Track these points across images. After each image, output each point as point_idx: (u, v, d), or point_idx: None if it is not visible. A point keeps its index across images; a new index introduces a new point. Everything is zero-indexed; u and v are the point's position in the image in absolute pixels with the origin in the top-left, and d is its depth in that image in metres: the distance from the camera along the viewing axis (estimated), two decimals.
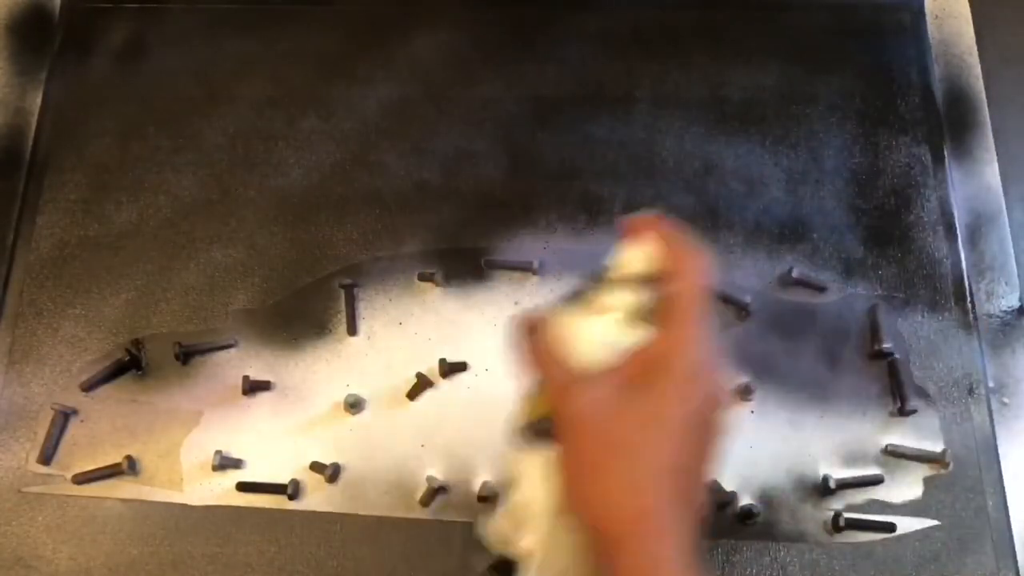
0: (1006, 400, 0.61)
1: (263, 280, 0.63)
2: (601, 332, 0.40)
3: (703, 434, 0.39)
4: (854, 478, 0.58)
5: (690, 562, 0.37)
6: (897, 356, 0.61)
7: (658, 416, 0.38)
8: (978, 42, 0.70)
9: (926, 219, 0.65)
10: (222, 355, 0.61)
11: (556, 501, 0.40)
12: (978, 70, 0.69)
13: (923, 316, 0.62)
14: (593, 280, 0.42)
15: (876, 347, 0.61)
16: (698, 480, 0.40)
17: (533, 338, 0.42)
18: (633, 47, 0.69)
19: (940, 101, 0.68)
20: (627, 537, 0.37)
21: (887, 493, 0.58)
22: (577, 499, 0.39)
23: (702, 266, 0.40)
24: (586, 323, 0.41)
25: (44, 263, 0.64)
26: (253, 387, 0.60)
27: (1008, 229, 0.65)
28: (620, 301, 0.41)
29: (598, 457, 0.38)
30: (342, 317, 0.62)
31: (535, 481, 0.41)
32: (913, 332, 0.62)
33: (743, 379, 0.60)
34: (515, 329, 0.42)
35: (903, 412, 0.59)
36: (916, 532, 0.57)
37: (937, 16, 0.71)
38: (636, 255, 0.41)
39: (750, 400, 0.60)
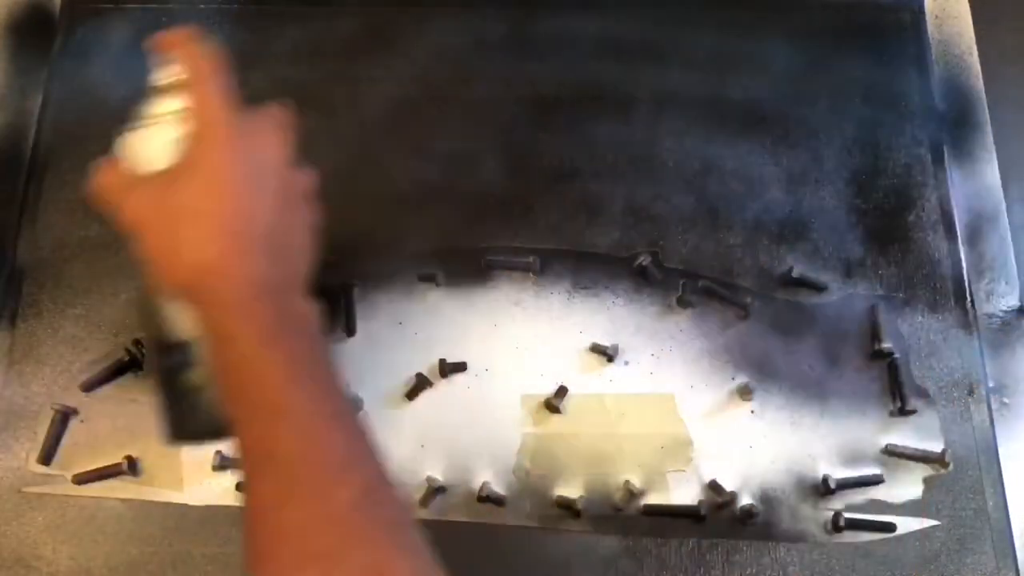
0: (1006, 400, 0.61)
1: None
2: (158, 139, 0.46)
3: (272, 191, 0.44)
4: (854, 478, 0.58)
5: (284, 312, 0.42)
6: (897, 356, 0.61)
7: (209, 181, 0.42)
8: (978, 42, 0.70)
9: (926, 219, 0.65)
10: None
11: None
12: (978, 70, 0.69)
13: (923, 316, 0.62)
14: (143, 98, 0.48)
15: (876, 347, 0.61)
16: (274, 230, 0.43)
17: (100, 175, 0.46)
18: (633, 47, 0.69)
19: (940, 101, 0.68)
20: (202, 289, 0.42)
21: (887, 493, 0.58)
22: (163, 273, 0.43)
23: (198, 52, 0.46)
24: (143, 136, 0.47)
25: (44, 263, 0.64)
26: None
27: (1008, 229, 0.65)
28: (167, 108, 0.47)
29: (164, 232, 0.42)
30: (342, 317, 0.62)
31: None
32: (913, 332, 0.62)
33: (743, 379, 0.60)
34: (93, 183, 0.46)
35: (903, 412, 0.59)
36: (916, 532, 0.57)
37: (937, 16, 0.71)
38: (171, 67, 0.47)
39: (750, 400, 0.60)
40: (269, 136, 0.45)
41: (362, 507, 0.40)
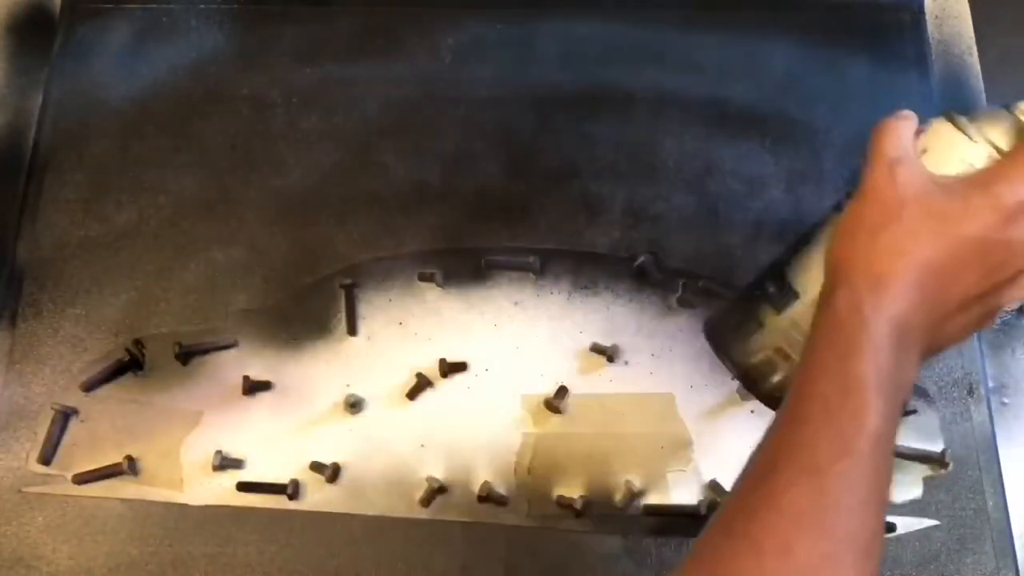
0: (1006, 400, 0.61)
1: (263, 280, 0.63)
2: (967, 153, 0.42)
3: (984, 273, 0.40)
4: None
5: (900, 349, 0.39)
6: None
7: (949, 219, 0.39)
8: (978, 42, 0.70)
9: None
10: (222, 355, 0.61)
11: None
12: (978, 70, 0.69)
13: None
14: (995, 111, 0.43)
15: None
16: (952, 307, 0.41)
17: (889, 127, 0.42)
18: (633, 47, 0.69)
19: (940, 101, 0.68)
20: (852, 283, 0.39)
21: None
22: (838, 246, 0.41)
23: None
24: (960, 141, 0.42)
25: (44, 263, 0.64)
26: (253, 387, 0.60)
27: None
28: (1001, 137, 0.41)
29: (879, 219, 0.40)
30: (342, 317, 0.62)
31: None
32: None
33: None
34: (883, 125, 0.43)
35: (903, 412, 0.59)
36: (916, 532, 0.57)
37: (937, 16, 0.71)
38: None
39: (750, 400, 0.60)
40: None
41: (859, 503, 0.38)
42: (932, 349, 0.42)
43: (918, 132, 0.43)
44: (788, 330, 0.45)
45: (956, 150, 0.42)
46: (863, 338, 0.38)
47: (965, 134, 0.42)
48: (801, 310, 0.44)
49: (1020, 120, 0.42)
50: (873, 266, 0.39)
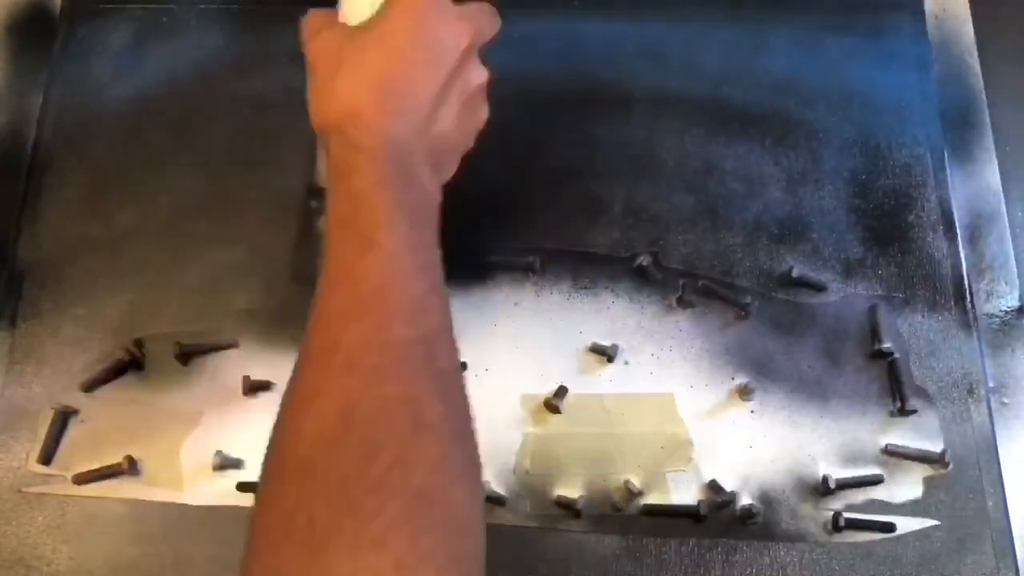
0: (1006, 400, 0.61)
1: (263, 280, 0.63)
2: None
3: (430, 62, 0.46)
4: (854, 478, 0.58)
5: (409, 174, 0.45)
6: (897, 356, 0.61)
7: (381, 37, 0.45)
8: (978, 42, 0.70)
9: (926, 219, 0.65)
10: (222, 355, 0.61)
11: None
12: (978, 70, 0.69)
13: (923, 316, 0.62)
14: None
15: (876, 347, 0.61)
16: (432, 106, 0.46)
17: (309, 18, 0.50)
18: (633, 47, 0.69)
19: (940, 101, 0.68)
20: (335, 130, 0.44)
21: (887, 493, 0.58)
22: (314, 115, 0.46)
23: None
24: None
25: (44, 263, 0.64)
26: (253, 387, 0.60)
27: (1008, 229, 0.65)
28: None
29: (327, 75, 0.46)
30: None
31: None
32: (913, 332, 0.62)
33: (743, 379, 0.60)
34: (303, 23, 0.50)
35: (903, 412, 0.59)
36: (916, 532, 0.57)
37: (937, 16, 0.71)
38: None
39: (750, 400, 0.60)
40: (465, 22, 0.47)
41: (418, 350, 0.41)
42: (441, 152, 0.48)
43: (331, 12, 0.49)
44: None
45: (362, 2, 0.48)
46: (360, 159, 0.43)
47: None
48: None
49: None
50: (344, 108, 0.44)
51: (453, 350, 0.44)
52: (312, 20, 0.49)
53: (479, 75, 0.50)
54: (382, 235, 0.42)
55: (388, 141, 0.44)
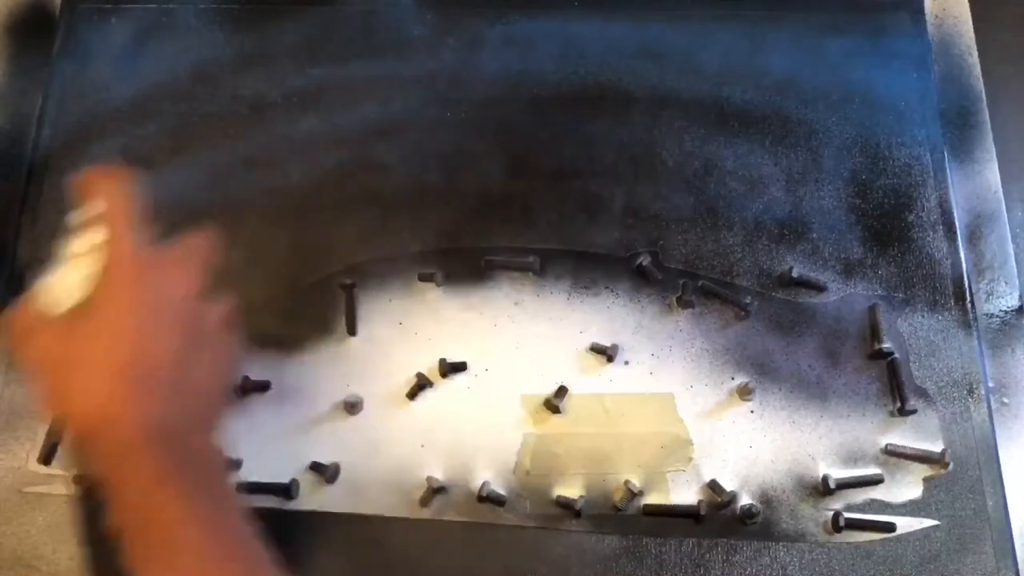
0: (1006, 400, 0.61)
1: (263, 280, 0.63)
2: (72, 277, 0.45)
3: (174, 329, 0.43)
4: (854, 478, 0.58)
5: (179, 453, 0.42)
6: (897, 356, 0.61)
7: (106, 322, 0.42)
8: (978, 42, 0.70)
9: (926, 219, 0.65)
10: None
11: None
12: (978, 70, 0.69)
13: (923, 316, 0.62)
14: (61, 238, 0.47)
15: (876, 347, 0.61)
16: (181, 371, 0.43)
17: (10, 317, 0.46)
18: (633, 47, 0.69)
19: (940, 101, 0.68)
20: (93, 436, 0.41)
21: (887, 493, 0.58)
22: (54, 414, 0.44)
23: (114, 189, 0.46)
24: (58, 275, 0.46)
25: (44, 263, 0.64)
26: (253, 387, 0.60)
27: (1008, 229, 0.65)
28: (84, 245, 0.46)
29: (61, 379, 0.42)
30: (342, 317, 0.62)
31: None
32: (913, 332, 0.62)
33: (743, 379, 0.60)
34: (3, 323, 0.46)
35: (903, 412, 0.59)
36: (916, 532, 0.57)
37: (937, 16, 0.71)
38: (91, 204, 0.46)
39: (750, 400, 0.60)
40: (178, 270, 0.45)
41: None
42: (206, 408, 0.45)
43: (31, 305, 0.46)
44: None
45: (61, 286, 0.45)
46: (125, 465, 0.41)
47: (57, 270, 0.46)
48: None
49: (77, 224, 0.46)
50: (93, 414, 0.41)
51: None
52: (16, 321, 0.45)
53: (214, 311, 0.47)
54: (179, 544, 0.40)
55: (142, 431, 0.41)
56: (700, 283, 0.62)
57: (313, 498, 0.58)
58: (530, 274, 0.63)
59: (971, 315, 0.62)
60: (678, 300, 0.62)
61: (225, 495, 0.44)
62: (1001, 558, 0.57)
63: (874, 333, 0.61)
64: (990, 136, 0.67)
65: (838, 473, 0.58)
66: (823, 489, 0.58)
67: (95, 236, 0.45)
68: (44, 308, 0.45)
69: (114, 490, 0.41)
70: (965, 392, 0.60)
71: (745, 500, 0.58)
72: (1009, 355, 0.62)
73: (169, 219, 0.65)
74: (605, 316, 0.62)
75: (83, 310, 0.43)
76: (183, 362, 0.43)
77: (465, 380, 0.61)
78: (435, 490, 0.57)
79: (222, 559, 0.41)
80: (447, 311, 0.62)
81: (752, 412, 0.60)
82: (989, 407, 0.60)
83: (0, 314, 0.46)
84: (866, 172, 0.66)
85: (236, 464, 0.58)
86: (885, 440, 0.59)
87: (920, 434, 0.59)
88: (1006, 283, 0.64)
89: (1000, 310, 0.63)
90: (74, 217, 0.47)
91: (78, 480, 0.58)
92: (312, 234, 0.64)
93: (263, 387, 0.60)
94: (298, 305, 0.62)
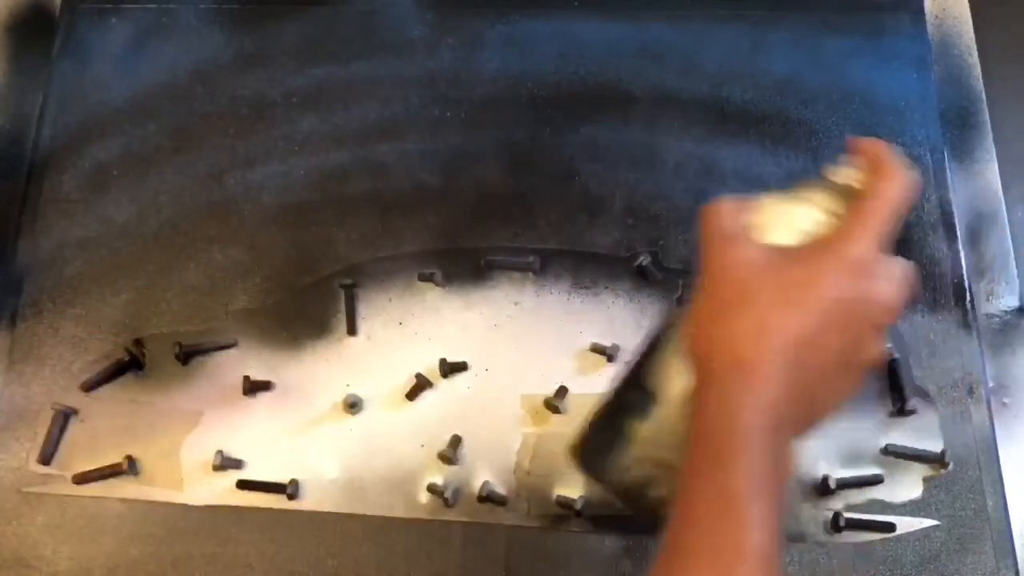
0: (1006, 400, 0.61)
1: (263, 280, 0.63)
2: (796, 218, 0.42)
3: (846, 334, 0.39)
4: (854, 478, 0.58)
5: (782, 456, 0.38)
6: (897, 356, 0.61)
7: (803, 287, 0.38)
8: (978, 42, 0.70)
9: (926, 219, 0.65)
10: (222, 355, 0.61)
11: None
12: (978, 70, 0.69)
13: (923, 316, 0.62)
14: (811, 180, 0.43)
15: None
16: (822, 377, 0.39)
17: (720, 209, 0.42)
18: (633, 47, 0.69)
19: (940, 101, 0.68)
20: (719, 375, 0.38)
21: (887, 493, 0.58)
22: (696, 336, 0.39)
23: (901, 184, 0.41)
24: (784, 208, 0.42)
25: (44, 263, 0.64)
26: (253, 387, 0.60)
27: (1008, 229, 0.65)
28: (824, 200, 0.42)
29: (732, 301, 0.39)
30: (342, 317, 0.62)
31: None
32: (913, 332, 0.62)
33: None
34: (704, 210, 0.42)
35: (903, 412, 0.59)
36: (916, 532, 0.57)
37: (937, 16, 0.71)
38: (854, 171, 0.42)
39: None
40: (889, 286, 0.40)
41: None
42: (804, 428, 0.40)
43: (741, 210, 0.42)
44: (657, 437, 0.43)
45: (784, 218, 0.42)
46: (737, 442, 0.37)
47: (790, 203, 0.42)
48: (665, 413, 0.43)
49: (834, 182, 0.42)
50: (737, 352, 0.38)
51: None
52: (724, 216, 0.41)
53: (877, 350, 0.41)
54: (744, 569, 0.36)
55: (778, 420, 0.37)
56: None
57: (313, 498, 0.58)
58: (530, 274, 0.63)
59: (971, 315, 0.62)
60: (678, 300, 0.62)
61: (779, 515, 0.38)
62: (1001, 558, 0.57)
63: None
64: (990, 136, 0.67)
65: (838, 473, 0.58)
66: (823, 489, 0.57)
67: (837, 202, 0.42)
68: (751, 224, 0.41)
69: (701, 453, 0.38)
70: (965, 392, 0.60)
71: None
72: (1009, 355, 0.62)
73: (169, 218, 0.65)
74: (605, 316, 0.62)
75: (788, 258, 0.39)
76: (836, 374, 0.40)
77: (465, 380, 0.61)
78: (435, 490, 0.57)
79: (757, 549, 0.37)
80: (447, 311, 0.62)
81: None
82: (989, 407, 0.60)
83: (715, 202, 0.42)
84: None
85: (236, 464, 0.58)
86: (885, 440, 0.59)
87: (920, 434, 0.59)
88: (1006, 283, 0.64)
89: (1000, 310, 0.63)
90: (833, 171, 0.43)
91: (78, 479, 0.58)
92: (312, 234, 0.64)
93: (264, 387, 0.60)
94: (298, 305, 0.62)
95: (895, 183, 0.41)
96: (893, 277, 0.40)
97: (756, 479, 0.37)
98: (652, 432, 0.43)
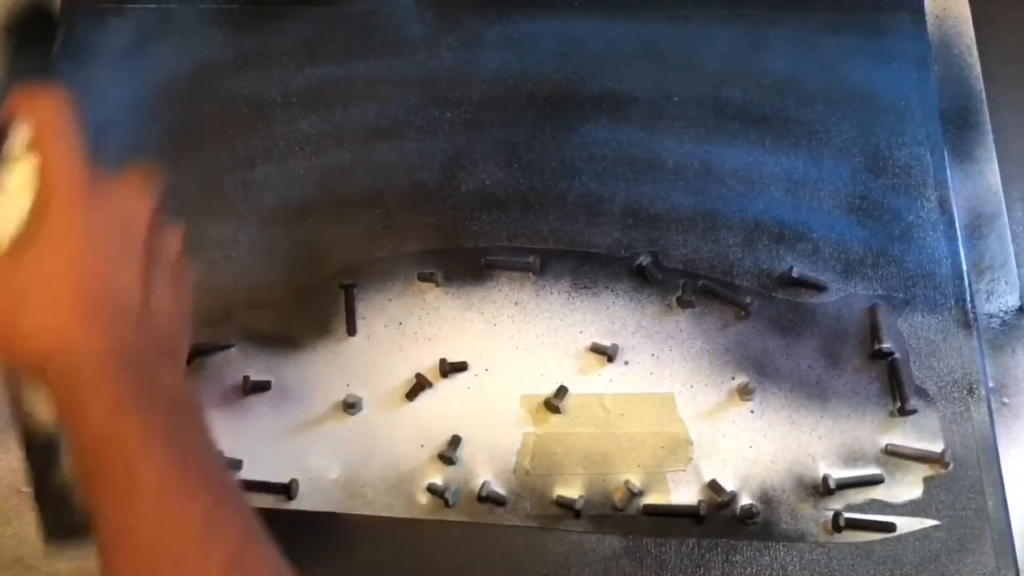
0: (1006, 400, 0.61)
1: (263, 280, 0.63)
2: (9, 208, 0.41)
3: (132, 256, 0.41)
4: (854, 478, 0.58)
5: (143, 383, 0.39)
6: (897, 356, 0.61)
7: (57, 246, 0.39)
8: (978, 42, 0.70)
9: (926, 219, 0.65)
10: (222, 355, 0.61)
11: None
12: (978, 70, 0.69)
13: (923, 316, 0.62)
14: None
15: (876, 347, 0.61)
16: (140, 299, 0.40)
17: None
18: (633, 47, 0.69)
19: (940, 101, 0.68)
20: (50, 366, 0.38)
21: (887, 493, 0.58)
22: (11, 354, 0.40)
23: (46, 104, 0.41)
24: None
25: None
26: (253, 387, 0.60)
27: (1008, 229, 0.65)
28: (19, 174, 0.41)
29: (11, 307, 0.39)
30: (342, 317, 0.62)
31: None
32: (913, 332, 0.62)
33: (743, 379, 0.60)
34: None
35: (903, 412, 0.59)
36: (916, 532, 0.57)
37: (937, 16, 0.71)
38: (22, 130, 0.42)
39: (750, 400, 0.60)
40: (129, 196, 0.42)
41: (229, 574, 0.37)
42: (170, 341, 0.42)
43: None
44: None
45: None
46: (84, 393, 0.38)
47: None
48: None
49: (16, 154, 0.42)
50: (46, 343, 0.38)
51: (265, 551, 0.40)
52: None
53: (173, 240, 0.44)
54: (139, 474, 0.37)
55: (108, 361, 0.38)
56: (700, 283, 0.62)
57: (313, 498, 0.58)
58: (530, 274, 0.63)
59: (971, 315, 0.62)
60: (678, 300, 0.62)
61: (193, 429, 0.40)
62: (1001, 558, 0.57)
63: (874, 333, 0.61)
64: (990, 136, 0.67)
65: (838, 473, 0.58)
66: (823, 489, 0.57)
67: (29, 163, 0.41)
68: None
69: (72, 421, 0.38)
70: (965, 392, 0.60)
71: (745, 500, 0.58)
72: (1009, 355, 0.62)
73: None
74: (605, 316, 0.62)
75: (26, 238, 0.40)
76: (148, 289, 0.41)
77: (465, 380, 0.61)
78: (435, 490, 0.57)
79: (185, 494, 0.38)
80: (447, 311, 0.62)
81: (752, 412, 0.60)
82: (989, 407, 0.60)
83: None
84: (866, 172, 0.66)
85: (236, 464, 0.58)
86: (885, 440, 0.59)
87: (920, 434, 0.59)
88: (1006, 283, 0.64)
89: (1000, 310, 0.63)
90: (6, 145, 0.42)
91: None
92: (312, 234, 0.64)
93: (263, 387, 0.60)
94: (298, 305, 0.62)
95: (46, 111, 0.41)
96: (126, 183, 0.43)
97: (113, 411, 0.37)
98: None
